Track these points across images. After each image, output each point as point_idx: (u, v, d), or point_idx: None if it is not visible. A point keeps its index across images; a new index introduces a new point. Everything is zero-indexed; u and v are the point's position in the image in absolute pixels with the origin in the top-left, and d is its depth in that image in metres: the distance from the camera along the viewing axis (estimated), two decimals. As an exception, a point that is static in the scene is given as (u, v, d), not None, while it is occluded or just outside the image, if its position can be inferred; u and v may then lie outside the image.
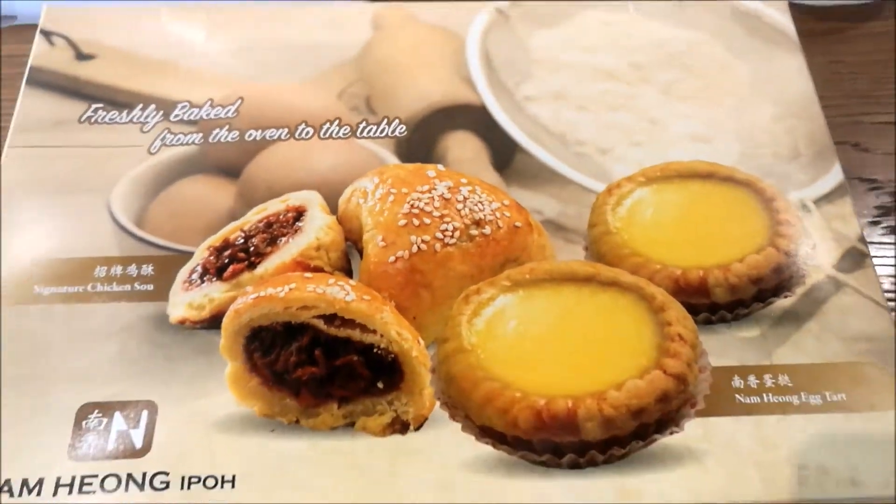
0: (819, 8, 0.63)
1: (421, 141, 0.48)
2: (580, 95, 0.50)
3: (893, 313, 0.48)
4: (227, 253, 0.41)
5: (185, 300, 0.41)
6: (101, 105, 0.49)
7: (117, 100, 0.49)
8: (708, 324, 0.41)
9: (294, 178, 0.46)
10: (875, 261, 0.50)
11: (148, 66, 0.51)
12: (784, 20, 0.53)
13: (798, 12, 0.54)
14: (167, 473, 0.36)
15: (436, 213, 0.41)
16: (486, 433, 0.37)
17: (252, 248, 0.41)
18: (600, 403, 0.35)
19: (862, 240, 0.43)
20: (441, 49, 0.52)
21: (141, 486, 0.35)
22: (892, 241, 0.52)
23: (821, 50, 0.60)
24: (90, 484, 0.35)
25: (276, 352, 0.38)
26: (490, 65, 0.51)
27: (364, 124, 0.48)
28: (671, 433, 0.37)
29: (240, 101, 0.49)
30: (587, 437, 0.35)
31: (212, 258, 0.41)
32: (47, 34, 0.52)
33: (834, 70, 0.60)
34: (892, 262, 0.51)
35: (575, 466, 0.36)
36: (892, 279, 0.51)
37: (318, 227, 0.42)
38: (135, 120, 0.48)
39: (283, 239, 0.41)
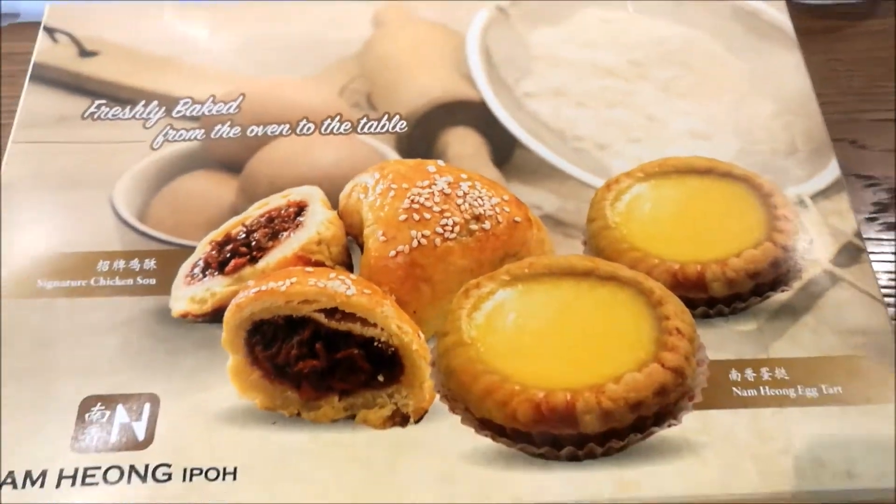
0: (817, 6, 0.63)
1: (421, 137, 0.48)
2: (579, 92, 0.50)
3: (893, 309, 0.49)
4: (228, 247, 0.42)
5: (188, 294, 0.41)
6: (103, 101, 0.49)
7: (120, 96, 0.49)
8: (706, 318, 0.41)
9: (295, 173, 0.46)
10: (872, 257, 0.51)
11: (150, 62, 0.51)
12: (782, 18, 0.53)
13: (796, 10, 0.54)
14: (169, 465, 0.36)
15: (436, 209, 0.41)
16: (485, 426, 0.37)
17: (254, 243, 0.42)
18: (599, 396, 0.36)
19: (858, 235, 0.43)
20: (441, 46, 0.52)
21: (143, 478, 0.36)
22: (890, 237, 0.53)
23: (818, 48, 0.61)
24: (93, 476, 0.36)
25: (278, 345, 0.38)
26: (490, 61, 0.51)
27: (365, 120, 0.48)
28: (669, 426, 0.37)
29: (241, 98, 0.49)
30: (586, 429, 0.36)
31: (214, 252, 0.42)
32: (51, 31, 0.52)
33: (831, 68, 0.60)
34: (890, 258, 0.52)
35: (574, 459, 0.36)
36: (890, 275, 0.51)
37: (319, 222, 0.42)
38: (137, 116, 0.48)
39: (285, 233, 0.42)
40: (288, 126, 0.48)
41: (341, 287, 0.37)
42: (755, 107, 0.49)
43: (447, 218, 0.41)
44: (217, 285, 0.41)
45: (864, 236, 0.51)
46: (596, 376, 0.36)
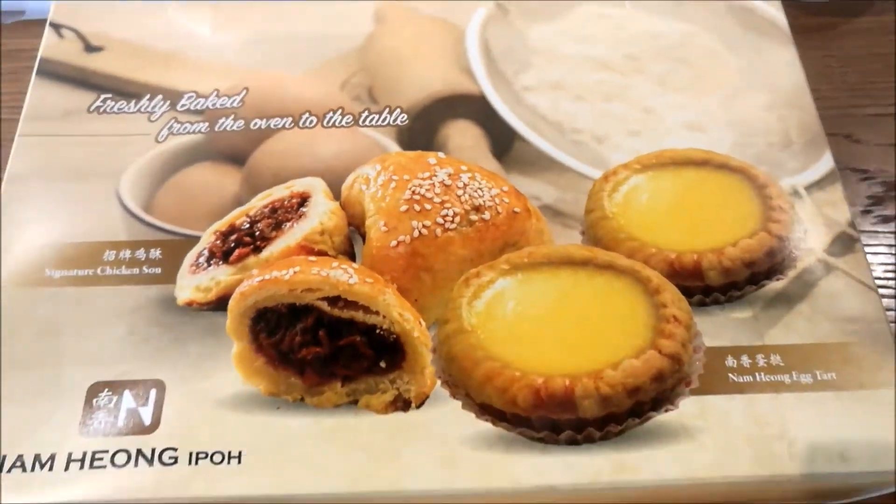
0: (812, 4, 0.64)
1: (422, 129, 0.49)
2: (577, 85, 0.50)
3: (893, 300, 0.49)
4: (233, 237, 0.42)
5: (193, 283, 0.41)
6: (109, 95, 0.49)
7: (125, 90, 0.50)
8: (702, 306, 0.41)
9: (298, 165, 0.46)
10: (867, 249, 0.51)
11: (155, 57, 0.51)
12: (776, 14, 0.54)
13: (792, 8, 0.54)
14: (175, 449, 0.37)
15: (436, 199, 0.42)
16: (485, 410, 0.37)
17: (257, 233, 0.42)
18: (597, 382, 0.36)
19: (852, 225, 0.44)
20: (441, 41, 0.52)
21: (150, 461, 0.36)
22: (885, 229, 0.53)
23: (814, 44, 0.62)
24: (101, 459, 0.36)
25: (282, 332, 0.38)
26: (489, 56, 0.52)
27: (366, 113, 0.49)
28: (666, 411, 0.37)
29: (245, 92, 0.50)
30: (584, 414, 0.36)
31: (218, 242, 0.42)
32: (57, 27, 0.53)
33: (827, 64, 0.61)
34: (885, 251, 0.52)
35: (572, 443, 0.37)
36: (886, 266, 0.52)
37: (321, 213, 0.42)
38: (142, 110, 0.49)
39: (288, 224, 0.42)
40: (291, 119, 0.49)
41: (344, 276, 0.38)
42: (750, 100, 0.50)
43: (447, 208, 0.41)
44: (221, 274, 0.41)
45: (860, 229, 0.52)
46: (594, 362, 0.37)
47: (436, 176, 0.42)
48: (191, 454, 0.36)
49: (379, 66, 0.51)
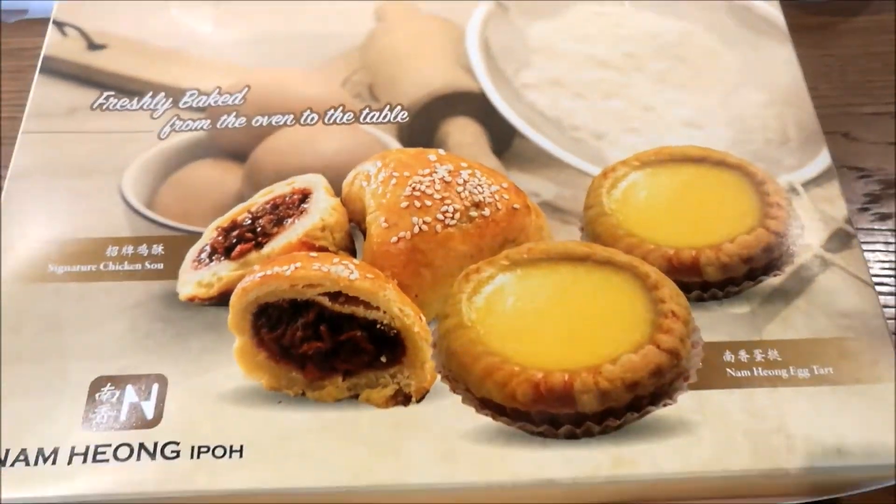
0: (810, 3, 0.64)
1: (422, 126, 0.49)
2: (576, 83, 0.51)
3: (891, 297, 0.50)
4: (234, 233, 0.42)
5: (195, 278, 0.42)
6: (112, 93, 0.50)
7: (128, 88, 0.50)
8: (700, 301, 0.42)
9: (299, 162, 0.47)
10: (865, 246, 0.52)
11: (158, 55, 0.52)
12: (774, 12, 0.54)
13: (790, 7, 0.55)
14: (177, 443, 0.37)
15: (437, 196, 0.42)
16: (485, 405, 0.38)
17: (259, 229, 0.42)
18: (596, 377, 0.36)
19: (849, 221, 0.44)
20: (442, 39, 0.53)
21: (152, 455, 0.37)
22: (882, 227, 0.54)
23: (812, 43, 0.62)
24: (104, 453, 0.37)
25: (283, 327, 0.39)
26: (489, 53, 0.52)
27: (367, 111, 0.49)
28: (665, 405, 0.38)
29: (247, 89, 0.50)
30: (583, 408, 0.36)
31: (220, 238, 0.43)
32: (60, 25, 0.53)
33: (825, 63, 0.62)
34: (882, 248, 0.53)
35: (572, 437, 0.37)
36: (883, 263, 0.52)
37: (322, 209, 0.43)
38: (145, 107, 0.49)
39: (289, 220, 0.43)
40: (292, 116, 0.49)
41: (344, 271, 0.38)
42: (748, 98, 0.50)
43: (448, 205, 0.42)
44: (223, 270, 0.41)
45: (857, 226, 0.52)
46: (593, 357, 0.37)
47: (436, 172, 0.43)
48: (193, 448, 0.37)
49: (380, 63, 0.52)
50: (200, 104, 0.49)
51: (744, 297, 0.42)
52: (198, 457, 0.36)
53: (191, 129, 0.49)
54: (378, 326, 0.38)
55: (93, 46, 0.52)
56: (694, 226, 0.43)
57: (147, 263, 0.43)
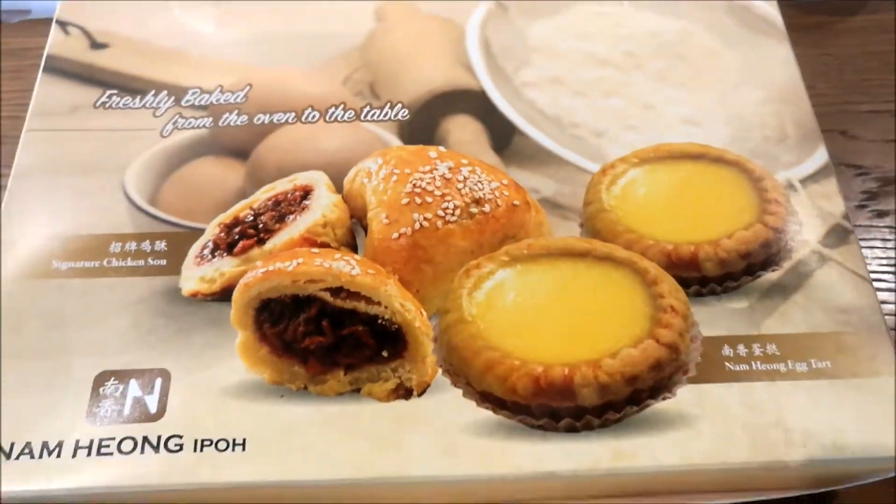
0: (808, 3, 0.64)
1: (423, 124, 0.49)
2: (576, 81, 0.51)
3: (891, 293, 0.50)
4: (237, 229, 0.43)
5: (197, 274, 0.42)
6: (115, 91, 0.50)
7: (130, 86, 0.50)
8: (699, 296, 0.42)
9: (301, 159, 0.47)
10: (863, 243, 0.52)
11: (160, 54, 0.52)
12: (773, 12, 0.54)
13: (788, 7, 0.55)
14: (181, 437, 0.37)
15: (437, 192, 0.42)
16: (486, 399, 0.38)
17: (261, 225, 0.43)
18: (596, 371, 0.37)
19: (846, 217, 0.45)
20: (442, 38, 0.53)
21: (156, 449, 0.37)
22: (879, 224, 0.54)
23: (810, 42, 0.62)
24: (108, 446, 0.37)
25: (285, 322, 0.39)
26: (489, 52, 0.52)
27: (368, 108, 0.50)
28: (664, 399, 0.38)
29: (248, 88, 0.50)
30: (583, 402, 0.37)
31: (222, 234, 0.43)
32: (63, 24, 0.53)
33: (823, 62, 0.62)
34: (880, 245, 0.53)
35: (572, 430, 0.37)
36: (880, 260, 0.52)
37: (324, 206, 0.43)
38: (147, 105, 0.50)
39: (291, 216, 0.43)
40: (293, 114, 0.49)
41: (346, 267, 0.38)
42: (746, 96, 0.50)
43: (448, 201, 0.42)
44: (226, 266, 0.42)
45: (855, 223, 0.52)
46: (593, 352, 0.37)
47: (436, 169, 0.43)
48: (196, 441, 0.37)
49: (380, 62, 0.52)
50: (202, 102, 0.50)
51: (742, 292, 0.42)
52: (201, 450, 0.37)
53: (193, 127, 0.49)
54: (379, 321, 0.39)
55: (95, 45, 0.53)
56: (692, 222, 0.43)
57: (150, 259, 0.43)
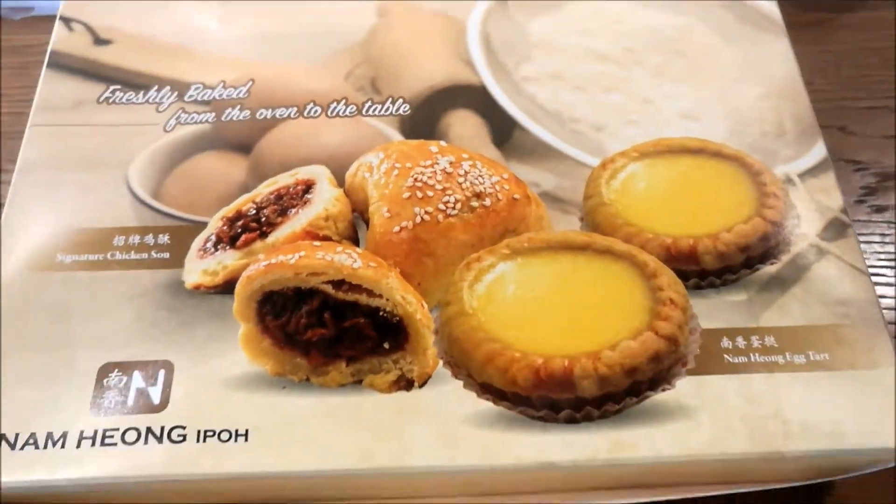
0: (807, 0, 0.65)
1: (424, 119, 0.49)
2: (576, 77, 0.51)
3: (893, 288, 0.50)
4: (239, 223, 0.43)
5: (200, 267, 0.42)
6: (118, 86, 0.50)
7: (134, 82, 0.51)
8: (698, 289, 0.42)
9: (303, 153, 0.47)
10: (861, 237, 0.52)
11: (163, 50, 0.52)
12: (771, 8, 0.55)
13: (787, 4, 0.56)
14: (184, 427, 0.37)
15: (438, 186, 0.42)
16: (486, 390, 0.38)
17: (263, 219, 0.43)
18: (595, 363, 0.37)
19: (844, 211, 0.45)
20: (443, 33, 0.53)
21: (159, 439, 0.37)
22: (877, 219, 0.54)
23: (809, 39, 0.63)
24: (112, 437, 0.37)
25: (288, 315, 0.39)
26: (490, 48, 0.53)
27: (370, 103, 0.50)
28: (663, 390, 0.38)
29: (251, 83, 0.51)
30: (583, 393, 0.37)
31: (225, 228, 0.43)
32: (66, 20, 0.54)
33: (821, 58, 0.62)
34: (878, 239, 0.53)
35: (571, 421, 0.37)
36: (878, 255, 0.53)
37: (326, 199, 0.43)
38: (151, 100, 0.50)
39: (293, 210, 0.43)
40: (296, 109, 0.50)
41: (348, 260, 0.39)
42: (745, 91, 0.51)
43: (449, 195, 0.42)
44: (228, 259, 0.42)
45: (854, 218, 0.53)
46: (593, 344, 0.38)
47: (437, 164, 0.43)
48: (199, 432, 0.37)
49: (382, 58, 0.52)
50: (205, 98, 0.50)
51: (741, 285, 0.42)
52: (204, 441, 0.37)
53: (196, 122, 0.49)
54: (381, 314, 0.39)
55: (99, 42, 0.53)
56: (692, 215, 0.44)
57: (153, 253, 0.43)
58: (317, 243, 0.41)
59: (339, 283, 0.39)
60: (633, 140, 0.47)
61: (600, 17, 0.54)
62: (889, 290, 0.51)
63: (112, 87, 0.50)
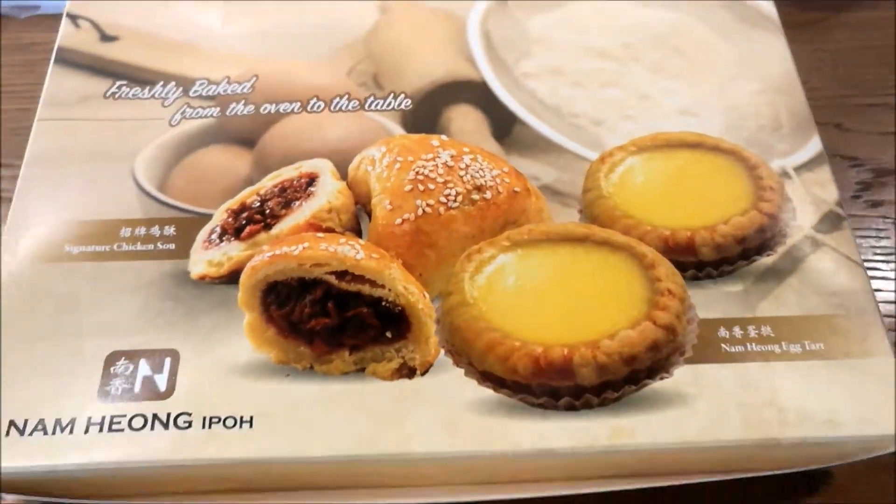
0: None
1: (425, 114, 0.50)
2: (575, 72, 0.52)
3: (893, 282, 0.51)
4: (244, 215, 0.44)
5: (205, 258, 0.43)
6: (124, 82, 0.51)
7: (140, 77, 0.51)
8: (695, 280, 0.43)
9: (306, 147, 0.48)
10: (857, 232, 0.53)
11: (168, 47, 0.53)
12: (768, 6, 0.55)
13: (784, 3, 0.56)
14: (189, 414, 0.38)
15: (440, 179, 0.43)
16: (487, 378, 0.39)
17: (268, 211, 0.43)
18: (594, 351, 0.37)
19: (839, 204, 0.45)
20: (444, 30, 0.54)
21: (166, 425, 0.38)
22: (873, 214, 0.55)
23: (805, 38, 0.63)
24: (119, 423, 0.38)
25: (292, 304, 0.40)
26: (490, 44, 0.53)
27: (372, 98, 0.50)
28: (661, 378, 0.39)
29: (255, 78, 0.51)
30: (582, 381, 0.37)
31: (230, 220, 0.44)
32: (73, 17, 0.54)
33: (817, 57, 0.63)
34: (873, 234, 0.54)
35: (571, 408, 0.38)
36: (874, 249, 0.53)
37: (329, 192, 0.44)
38: (156, 96, 0.51)
39: (297, 202, 0.44)
40: (299, 104, 0.50)
41: (351, 251, 0.39)
42: (742, 87, 0.51)
43: (450, 188, 0.43)
44: (233, 250, 0.43)
45: (850, 213, 0.53)
46: (592, 333, 0.38)
47: (439, 157, 0.44)
48: (204, 419, 0.38)
49: (384, 54, 0.53)
50: (210, 93, 0.51)
51: (738, 276, 0.43)
52: (209, 427, 0.38)
53: (201, 117, 0.50)
54: (383, 303, 0.40)
55: (105, 38, 0.54)
56: (689, 208, 0.44)
57: (159, 244, 0.44)
58: (320, 235, 0.41)
59: (342, 274, 0.39)
60: (631, 134, 0.48)
61: (599, 14, 0.55)
62: (885, 284, 0.51)
63: (118, 83, 0.51)
